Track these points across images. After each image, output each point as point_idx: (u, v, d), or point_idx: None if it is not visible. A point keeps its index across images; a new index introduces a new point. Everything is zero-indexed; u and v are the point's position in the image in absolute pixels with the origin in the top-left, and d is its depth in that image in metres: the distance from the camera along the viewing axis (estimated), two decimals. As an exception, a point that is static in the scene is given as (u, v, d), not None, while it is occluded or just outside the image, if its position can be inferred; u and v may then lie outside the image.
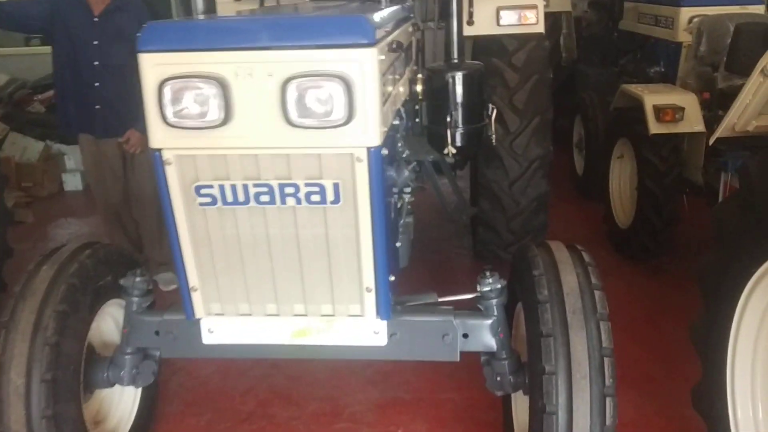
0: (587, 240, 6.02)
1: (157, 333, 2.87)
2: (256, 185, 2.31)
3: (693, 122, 5.02)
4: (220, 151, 2.28)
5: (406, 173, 3.11)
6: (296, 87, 2.13)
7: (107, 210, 4.88)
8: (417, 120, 3.42)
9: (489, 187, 4.89)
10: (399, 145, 3.25)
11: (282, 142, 2.24)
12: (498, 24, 4.73)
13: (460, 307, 2.96)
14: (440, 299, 3.10)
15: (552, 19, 8.40)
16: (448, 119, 3.19)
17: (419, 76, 3.25)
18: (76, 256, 2.88)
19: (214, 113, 2.19)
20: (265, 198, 2.32)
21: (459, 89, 3.19)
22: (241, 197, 2.32)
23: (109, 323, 3.20)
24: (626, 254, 5.57)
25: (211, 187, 2.32)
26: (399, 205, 3.24)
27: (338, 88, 2.13)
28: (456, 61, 3.29)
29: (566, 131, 7.51)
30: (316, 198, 2.31)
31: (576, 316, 2.51)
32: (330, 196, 2.30)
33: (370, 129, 2.21)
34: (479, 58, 4.92)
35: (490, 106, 3.38)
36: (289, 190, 2.30)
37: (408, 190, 3.22)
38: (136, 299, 2.93)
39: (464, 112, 3.22)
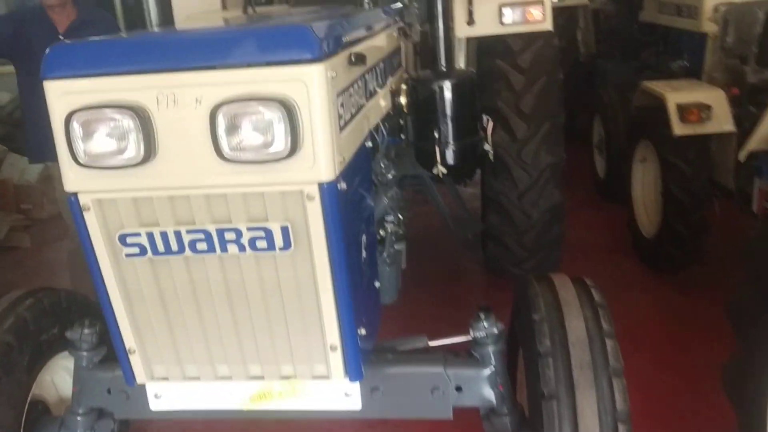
0: (610, 249, 5.61)
1: (109, 391, 2.52)
2: (190, 231, 1.94)
3: (721, 121, 4.56)
4: (145, 193, 1.92)
5: (386, 201, 2.73)
6: (227, 114, 1.76)
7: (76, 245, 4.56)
8: (402, 137, 3.04)
9: (497, 200, 4.48)
10: (381, 165, 2.87)
11: (215, 180, 1.87)
12: (501, 23, 4.31)
13: (458, 349, 2.58)
14: (431, 343, 2.71)
15: (568, 12, 7.98)
16: (436, 134, 2.83)
17: (402, 86, 2.88)
18: (13, 309, 2.54)
19: (133, 149, 1.83)
20: (202, 246, 1.95)
21: (447, 100, 2.83)
22: (174, 246, 1.96)
23: (63, 377, 2.86)
24: (652, 265, 5.12)
25: (138, 235, 1.95)
26: (383, 234, 2.86)
27: (277, 114, 1.75)
28: (444, 68, 2.91)
29: (586, 130, 7.06)
30: (262, 244, 1.93)
31: (584, 373, 2.10)
32: (278, 241, 1.92)
33: (321, 161, 1.83)
34: (483, 60, 4.52)
35: (485, 117, 3.00)
36: (230, 235, 1.93)
37: (390, 218, 2.84)
38: (85, 354, 2.58)
39: (454, 126, 2.85)
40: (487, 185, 4.50)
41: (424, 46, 4.44)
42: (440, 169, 2.87)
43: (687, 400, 3.65)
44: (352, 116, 2.12)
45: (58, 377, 2.86)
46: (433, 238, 5.49)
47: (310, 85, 1.77)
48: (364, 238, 2.29)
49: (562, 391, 2.08)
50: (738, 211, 4.74)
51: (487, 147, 3.04)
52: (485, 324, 2.44)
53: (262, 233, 1.91)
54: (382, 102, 2.77)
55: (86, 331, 2.57)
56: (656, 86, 5.02)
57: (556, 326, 2.21)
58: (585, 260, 5.34)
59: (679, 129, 4.56)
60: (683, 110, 4.54)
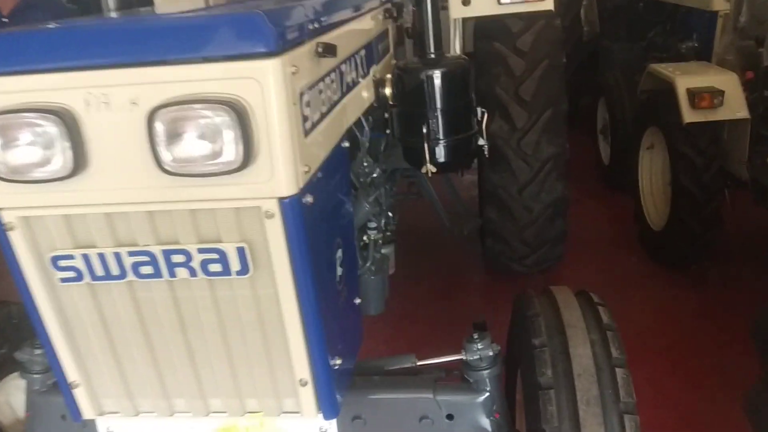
0: (615, 242, 5.33)
1: (63, 418, 2.27)
2: (132, 253, 1.66)
3: (735, 108, 4.26)
4: (77, 210, 1.64)
5: (367, 207, 2.45)
6: (167, 119, 1.48)
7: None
8: (387, 132, 2.76)
9: (495, 194, 4.20)
10: (364, 164, 2.60)
11: (157, 195, 1.59)
12: (499, 2, 4.00)
13: (452, 367, 2.33)
14: (421, 362, 2.45)
15: (571, -12, 7.63)
16: (425, 130, 2.55)
17: (387, 76, 2.59)
18: (-48, 330, 2.29)
19: (60, 160, 1.55)
20: (147, 270, 1.68)
21: (437, 92, 2.55)
22: (114, 270, 1.68)
23: (19, 398, 2.61)
24: (660, 261, 4.84)
25: (71, 257, 1.68)
26: (366, 241, 2.60)
27: (226, 119, 1.47)
28: (433, 55, 2.62)
29: (590, 114, 6.75)
30: (215, 268, 1.66)
31: (590, 409, 1.83)
32: (234, 264, 1.65)
33: (280, 173, 1.55)
34: (480, 43, 4.21)
35: (479, 110, 2.71)
36: (178, 258, 1.66)
37: (373, 225, 2.56)
38: (37, 376, 2.33)
39: (446, 120, 2.57)
40: (484, 178, 4.21)
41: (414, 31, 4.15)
42: (429, 168, 2.60)
43: (701, 410, 3.40)
44: (323, 115, 1.83)
45: (15, 398, 2.62)
46: (427, 231, 5.21)
47: (264, 83, 1.48)
48: (340, 252, 2.02)
49: (567, 431, 1.82)
50: (752, 203, 4.46)
51: (482, 142, 2.76)
52: (479, 345, 2.18)
53: (215, 255, 1.64)
54: (364, 93, 2.48)
55: (37, 351, 2.32)
56: (665, 69, 4.72)
57: (558, 354, 1.95)
58: (589, 254, 5.06)
59: (689, 116, 4.27)
60: (694, 95, 4.25)
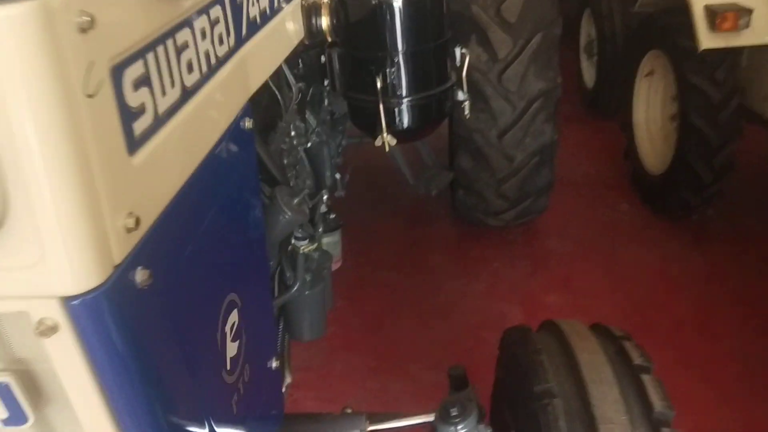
0: (603, 183, 4.59)
1: None
2: None
3: (762, 31, 3.45)
4: None
5: (288, 215, 1.62)
6: None
7: None
8: (325, 84, 1.92)
9: (470, 139, 3.40)
10: (292, 135, 1.77)
11: None
12: None
13: None
14: (374, 428, 1.71)
15: None
16: (380, 84, 1.73)
17: (324, 0, 1.73)
18: None
19: None
20: None
21: (398, 26, 1.72)
22: None
23: None
24: (658, 209, 4.13)
25: None
26: (295, 247, 1.80)
27: None
28: (390, -30, 1.77)
29: (572, 27, 5.86)
30: (-38, 413, 0.86)
31: None
32: (-1, 408, 0.85)
33: (61, 248, 0.73)
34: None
35: (459, 50, 1.89)
36: None
37: (302, 235, 1.76)
38: None
39: (411, 69, 1.76)
40: (457, 121, 3.39)
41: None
42: (386, 140, 1.79)
43: (721, 412, 2.77)
44: (188, 93, 1.00)
45: None
46: (382, 172, 4.40)
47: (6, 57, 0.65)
48: (235, 313, 1.22)
49: None
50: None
51: (462, 96, 1.95)
52: (461, 427, 1.44)
53: (-46, 395, 0.84)
54: (290, 25, 1.63)
55: None
56: (674, -21, 3.86)
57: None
58: (572, 198, 4.33)
59: (707, 40, 3.45)
60: (715, 14, 3.42)
